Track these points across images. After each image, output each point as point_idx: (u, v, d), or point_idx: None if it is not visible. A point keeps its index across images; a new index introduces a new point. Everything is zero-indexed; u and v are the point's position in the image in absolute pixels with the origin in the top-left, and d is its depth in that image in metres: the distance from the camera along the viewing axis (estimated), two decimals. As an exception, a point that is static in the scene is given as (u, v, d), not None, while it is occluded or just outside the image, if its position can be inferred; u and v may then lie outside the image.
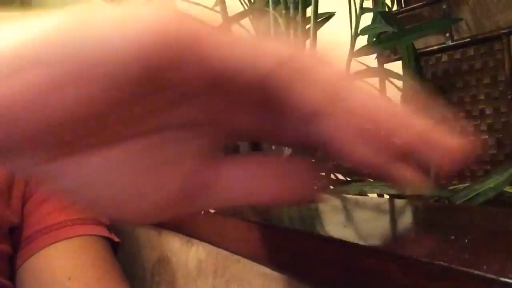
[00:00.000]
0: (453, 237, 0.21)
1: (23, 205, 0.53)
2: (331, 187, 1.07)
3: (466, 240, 0.21)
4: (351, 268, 0.25)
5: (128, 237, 0.62)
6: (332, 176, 1.15)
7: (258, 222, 0.33)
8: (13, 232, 0.52)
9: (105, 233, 0.54)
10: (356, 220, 0.36)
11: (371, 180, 1.06)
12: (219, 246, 0.40)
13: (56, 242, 0.51)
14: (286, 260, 0.30)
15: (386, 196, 0.94)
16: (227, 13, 1.02)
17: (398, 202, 0.52)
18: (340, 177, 1.16)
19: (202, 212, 0.41)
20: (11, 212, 0.51)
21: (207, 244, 0.42)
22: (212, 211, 0.40)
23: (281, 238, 0.30)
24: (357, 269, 0.24)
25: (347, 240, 0.26)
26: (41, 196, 0.53)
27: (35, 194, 0.53)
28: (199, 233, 0.44)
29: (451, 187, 1.00)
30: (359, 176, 1.14)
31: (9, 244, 0.50)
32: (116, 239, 0.55)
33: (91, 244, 0.53)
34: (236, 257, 0.37)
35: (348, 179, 1.14)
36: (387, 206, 0.44)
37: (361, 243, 0.25)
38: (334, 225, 0.34)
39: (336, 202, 0.47)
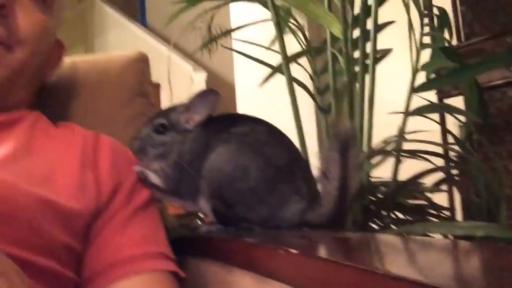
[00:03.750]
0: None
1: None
2: (393, 226, 1.03)
3: None
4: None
5: (193, 273, 0.62)
6: (392, 215, 1.11)
7: (349, 265, 0.32)
8: (78, 259, 0.53)
9: (173, 267, 0.55)
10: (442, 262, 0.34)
11: (436, 220, 1.02)
12: (301, 288, 0.38)
13: (127, 276, 0.51)
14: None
15: (451, 237, 0.89)
16: (286, 52, 1.04)
17: (464, 244, 0.49)
18: (400, 216, 1.12)
19: (282, 252, 0.41)
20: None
21: (286, 285, 0.41)
22: (294, 251, 0.39)
23: (379, 283, 0.29)
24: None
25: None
26: (115, 226, 0.54)
27: (113, 218, 0.54)
28: (277, 272, 0.43)
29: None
30: (421, 215, 1.09)
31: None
32: (182, 274, 0.55)
33: (160, 280, 0.53)
34: (320, 300, 0.36)
35: (409, 218, 1.10)
36: (451, 248, 0.42)
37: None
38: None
39: (415, 243, 0.46)
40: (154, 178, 0.60)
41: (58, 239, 0.49)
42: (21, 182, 0.48)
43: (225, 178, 0.57)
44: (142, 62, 0.79)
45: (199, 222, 0.96)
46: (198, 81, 2.71)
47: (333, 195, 0.56)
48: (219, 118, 0.62)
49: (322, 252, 0.41)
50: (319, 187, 0.58)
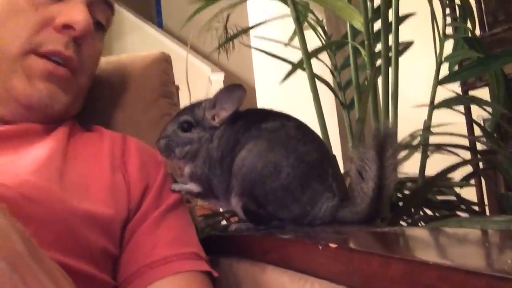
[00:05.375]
0: None
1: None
2: (422, 223, 1.01)
3: None
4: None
5: (225, 273, 0.61)
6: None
7: (395, 257, 0.31)
8: (115, 262, 0.53)
9: (206, 267, 0.54)
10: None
11: (467, 216, 0.99)
12: (343, 284, 0.37)
13: (163, 278, 0.51)
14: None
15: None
16: (306, 47, 1.03)
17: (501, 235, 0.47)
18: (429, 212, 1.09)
19: (320, 247, 0.40)
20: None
21: (325, 281, 0.40)
22: (333, 245, 0.38)
23: (433, 276, 0.28)
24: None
25: None
26: (147, 228, 0.54)
27: (144, 220, 0.54)
28: (315, 269, 0.41)
29: None
30: (449, 211, 1.06)
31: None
32: (216, 274, 0.55)
33: (195, 280, 0.53)
34: (365, 295, 0.35)
35: (438, 214, 1.07)
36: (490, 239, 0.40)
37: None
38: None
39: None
40: (195, 188, 0.60)
41: (95, 244, 0.49)
42: (55, 187, 0.48)
43: (256, 176, 0.55)
44: (165, 62, 0.79)
45: (225, 222, 0.95)
46: (216, 82, 2.72)
47: (368, 195, 0.55)
48: (247, 113, 0.61)
49: (362, 246, 0.40)
50: (354, 185, 0.57)
